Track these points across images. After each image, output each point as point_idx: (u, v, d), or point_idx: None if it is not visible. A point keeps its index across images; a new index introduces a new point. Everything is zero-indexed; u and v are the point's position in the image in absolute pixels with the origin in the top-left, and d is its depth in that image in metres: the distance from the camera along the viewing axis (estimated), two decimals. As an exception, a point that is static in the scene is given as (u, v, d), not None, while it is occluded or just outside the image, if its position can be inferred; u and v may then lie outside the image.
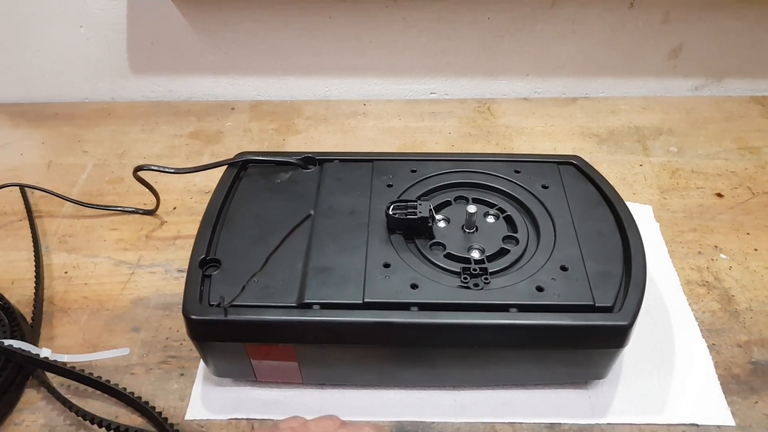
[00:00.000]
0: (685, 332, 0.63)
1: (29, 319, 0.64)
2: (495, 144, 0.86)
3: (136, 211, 0.77)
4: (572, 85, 0.95)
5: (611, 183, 0.63)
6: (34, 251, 0.71)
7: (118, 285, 0.69)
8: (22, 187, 0.79)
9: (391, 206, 0.58)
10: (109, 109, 0.95)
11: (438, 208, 0.60)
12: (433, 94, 0.97)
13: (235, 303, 0.52)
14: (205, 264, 0.56)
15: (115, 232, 0.75)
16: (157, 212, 0.77)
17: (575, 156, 0.67)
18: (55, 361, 0.58)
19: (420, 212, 0.57)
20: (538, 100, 0.95)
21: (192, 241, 0.57)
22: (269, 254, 0.56)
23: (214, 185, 0.72)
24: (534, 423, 0.56)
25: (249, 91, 0.97)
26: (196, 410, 0.58)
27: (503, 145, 0.86)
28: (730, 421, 0.56)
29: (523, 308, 0.52)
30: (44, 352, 0.59)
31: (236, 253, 0.57)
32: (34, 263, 0.70)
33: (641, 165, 0.83)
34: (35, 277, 0.68)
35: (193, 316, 0.52)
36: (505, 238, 0.58)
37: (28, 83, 0.95)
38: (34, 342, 0.62)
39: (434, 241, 0.58)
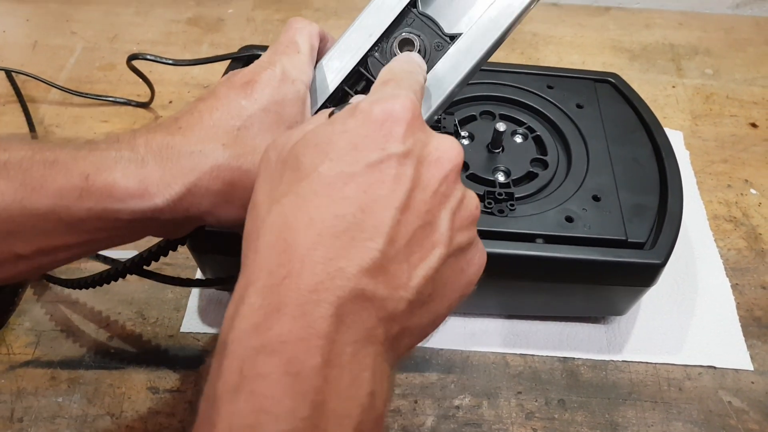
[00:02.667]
0: (709, 270, 0.60)
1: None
2: (520, 53, 0.80)
3: (128, 103, 0.71)
4: (606, -8, 0.88)
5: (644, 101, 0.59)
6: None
7: (110, 182, 0.64)
8: (9, 72, 0.73)
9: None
10: (100, -14, 0.87)
11: (462, 123, 0.55)
12: (453, -7, 0.89)
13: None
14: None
15: (106, 124, 0.69)
16: (152, 105, 0.71)
17: (613, 74, 0.61)
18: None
19: (444, 127, 0.52)
20: (568, 7, 0.88)
21: (192, 143, 0.52)
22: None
23: (213, 79, 0.66)
24: (546, 356, 0.54)
25: (253, -25, 0.89)
26: (191, 323, 0.55)
27: (528, 54, 0.80)
28: (748, 365, 0.54)
29: (551, 239, 0.48)
30: None
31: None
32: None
33: (674, 87, 0.77)
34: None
35: (193, 226, 0.48)
36: (533, 161, 0.54)
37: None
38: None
39: (457, 159, 0.53)
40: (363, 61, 0.43)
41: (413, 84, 0.36)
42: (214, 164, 0.37)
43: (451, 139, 0.33)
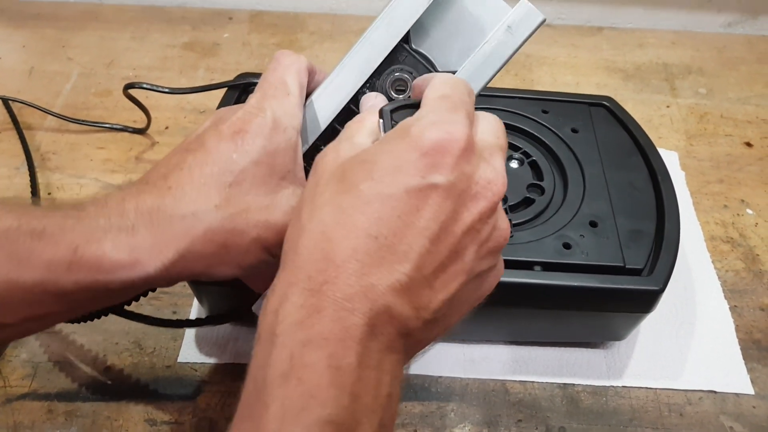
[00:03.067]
0: (707, 292, 0.60)
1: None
2: (514, 74, 0.80)
3: (125, 129, 0.71)
4: (599, 12, 0.88)
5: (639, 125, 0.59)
6: (29, 169, 0.66)
7: (106, 210, 0.64)
8: (6, 100, 0.72)
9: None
10: (97, 11, 0.87)
11: (458, 149, 0.55)
12: (447, 14, 0.89)
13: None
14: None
15: (103, 150, 0.69)
16: (148, 131, 0.71)
17: (607, 97, 0.61)
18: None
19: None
20: (561, 27, 0.89)
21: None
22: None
23: (209, 104, 0.66)
24: (546, 382, 0.53)
25: (249, -2, 0.89)
26: (189, 352, 0.55)
27: (522, 76, 0.80)
28: (749, 389, 0.54)
29: (549, 267, 0.48)
30: None
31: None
32: (29, 182, 0.65)
33: (668, 106, 0.78)
34: (32, 197, 0.63)
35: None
36: (530, 186, 0.54)
37: (5, -23, 0.87)
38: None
39: (453, 186, 0.53)
40: (354, 99, 0.42)
41: (469, 110, 0.35)
42: (207, 228, 0.36)
43: (498, 169, 0.33)
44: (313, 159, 0.39)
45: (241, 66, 0.80)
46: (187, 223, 0.36)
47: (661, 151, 0.57)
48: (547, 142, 0.57)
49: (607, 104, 0.61)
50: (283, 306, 0.30)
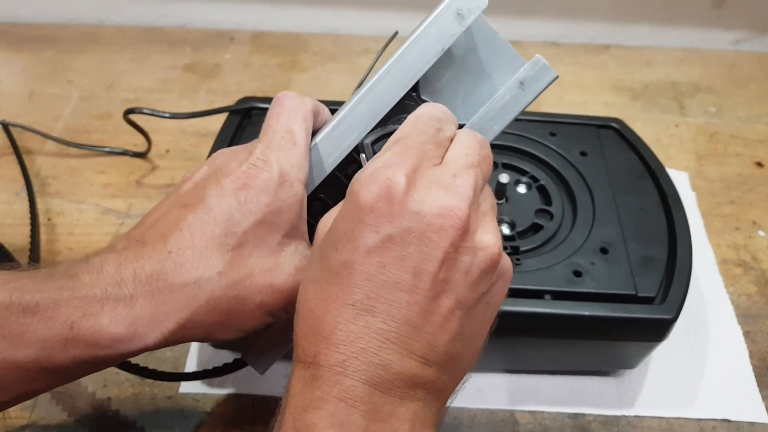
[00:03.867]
0: (720, 317, 0.59)
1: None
2: (519, 94, 0.80)
3: (125, 153, 0.70)
4: (605, 30, 0.87)
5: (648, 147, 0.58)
6: (28, 194, 0.65)
7: (106, 236, 0.63)
8: (6, 125, 0.72)
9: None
10: (97, 34, 0.86)
11: (464, 173, 0.54)
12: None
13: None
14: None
15: (103, 175, 0.69)
16: (149, 155, 0.70)
17: (616, 119, 0.60)
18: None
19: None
20: (567, 46, 0.88)
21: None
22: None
23: (211, 127, 0.65)
24: (556, 412, 0.52)
25: (250, 19, 0.89)
26: (191, 383, 0.53)
27: (528, 95, 0.79)
28: (764, 417, 0.53)
29: (559, 296, 0.47)
30: None
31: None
32: (28, 207, 0.64)
33: (677, 126, 0.76)
34: (31, 223, 0.62)
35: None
36: (538, 212, 0.53)
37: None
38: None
39: (460, 211, 0.52)
40: (356, 148, 0.40)
41: (418, 149, 0.33)
42: (210, 297, 0.34)
43: (455, 191, 0.31)
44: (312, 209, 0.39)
45: (242, 87, 0.79)
46: (189, 292, 0.34)
47: (672, 172, 0.56)
48: (555, 165, 0.56)
49: (616, 126, 0.60)
50: (289, 382, 0.31)
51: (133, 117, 0.64)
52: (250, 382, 0.53)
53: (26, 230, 0.61)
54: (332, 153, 0.40)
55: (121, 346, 0.33)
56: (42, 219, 0.64)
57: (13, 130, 0.71)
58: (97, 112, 0.76)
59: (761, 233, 0.65)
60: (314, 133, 0.41)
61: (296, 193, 0.37)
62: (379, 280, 0.30)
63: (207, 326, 0.35)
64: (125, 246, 0.35)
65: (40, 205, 0.65)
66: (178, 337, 0.35)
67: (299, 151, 0.38)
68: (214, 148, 0.56)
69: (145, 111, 0.60)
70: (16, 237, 0.61)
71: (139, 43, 0.85)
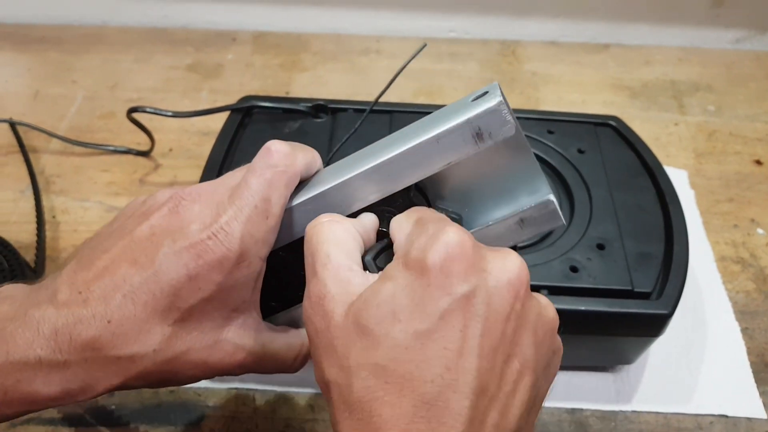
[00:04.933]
0: (718, 314, 0.59)
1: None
2: (519, 93, 0.80)
3: (129, 152, 0.71)
4: (604, 29, 0.88)
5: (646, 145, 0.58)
6: (34, 192, 0.66)
7: (110, 234, 0.63)
8: (13, 124, 0.73)
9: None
10: (100, 35, 0.87)
11: (462, 171, 0.55)
12: (452, 33, 0.89)
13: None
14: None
15: (107, 173, 0.69)
16: (152, 153, 0.71)
17: (614, 117, 0.61)
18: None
19: (444, 176, 0.52)
20: (566, 45, 0.88)
21: (190, 189, 0.52)
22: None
23: (213, 126, 0.66)
24: (554, 407, 0.52)
25: (252, 19, 0.89)
26: (193, 378, 0.54)
27: (528, 94, 0.80)
28: (761, 413, 0.53)
29: (556, 291, 0.48)
30: None
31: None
32: (34, 205, 0.65)
33: (676, 124, 0.77)
34: (36, 220, 0.63)
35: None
36: (536, 209, 0.53)
37: (12, 0, 0.87)
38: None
39: (457, 208, 0.52)
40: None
41: (445, 217, 0.34)
42: (143, 370, 0.34)
43: (510, 254, 0.31)
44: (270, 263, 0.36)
45: (244, 87, 0.80)
46: (122, 364, 0.34)
47: (671, 170, 0.57)
48: (553, 163, 0.56)
49: (614, 124, 0.60)
50: None
51: (136, 116, 0.64)
52: (252, 376, 0.54)
53: (31, 228, 0.62)
54: (304, 222, 0.35)
55: (55, 403, 0.34)
56: (47, 217, 0.65)
57: (20, 129, 0.72)
58: (101, 111, 0.76)
59: (760, 231, 0.66)
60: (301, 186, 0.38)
61: (253, 272, 0.35)
62: (457, 346, 0.28)
63: (137, 387, 0.36)
64: (66, 300, 0.34)
65: (45, 203, 0.66)
66: (111, 392, 0.35)
67: (270, 224, 0.35)
68: (216, 146, 0.57)
69: (148, 110, 0.61)
70: (22, 234, 0.62)
71: (142, 43, 0.86)
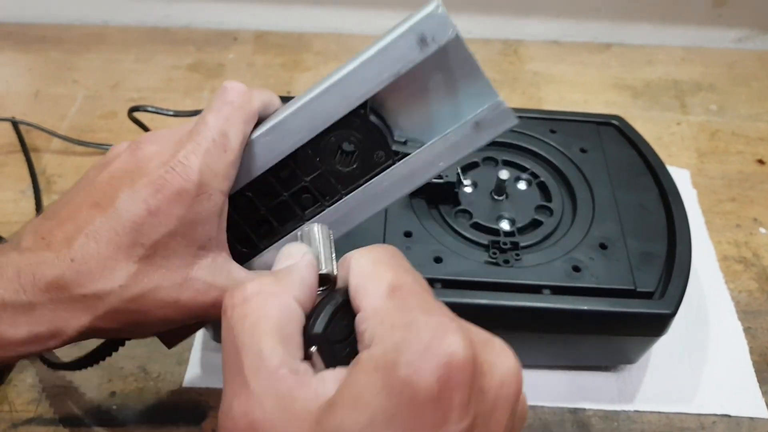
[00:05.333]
0: (720, 313, 0.59)
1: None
2: (521, 92, 0.80)
3: (130, 151, 0.70)
4: (606, 29, 0.88)
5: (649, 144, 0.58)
6: (34, 192, 0.66)
7: (111, 233, 0.63)
8: (16, 123, 0.73)
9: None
10: (101, 34, 0.87)
11: (464, 170, 0.55)
12: (454, 33, 0.89)
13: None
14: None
15: (108, 173, 0.69)
16: (154, 153, 0.71)
17: (616, 116, 0.61)
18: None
19: (446, 176, 0.52)
20: (568, 45, 0.88)
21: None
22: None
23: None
24: (556, 407, 0.52)
25: (253, 19, 0.89)
26: (194, 377, 0.54)
27: (530, 94, 0.80)
28: (764, 412, 0.53)
29: (558, 290, 0.47)
30: None
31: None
32: (35, 205, 0.65)
33: (678, 124, 0.77)
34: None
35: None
36: (538, 208, 0.53)
37: (13, 0, 0.87)
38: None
39: (460, 208, 0.52)
40: (294, 155, 0.38)
41: (429, 296, 0.28)
42: (110, 308, 0.33)
43: (508, 356, 0.26)
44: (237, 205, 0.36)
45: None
46: (89, 302, 0.33)
47: (673, 169, 0.57)
48: (555, 162, 0.56)
49: (616, 123, 0.60)
50: None
51: (137, 115, 0.64)
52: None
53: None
54: (266, 155, 0.37)
55: (23, 348, 0.33)
56: (48, 216, 0.65)
57: (22, 128, 0.72)
58: (102, 111, 0.76)
59: (762, 230, 0.65)
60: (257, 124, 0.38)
61: (214, 205, 0.34)
62: None
63: (110, 331, 0.35)
64: (29, 246, 0.34)
65: (45, 203, 0.66)
66: (82, 338, 0.34)
67: (229, 158, 0.34)
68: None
69: (149, 109, 0.61)
70: (22, 234, 0.62)
71: (144, 43, 0.86)
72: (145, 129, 0.67)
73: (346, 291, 0.29)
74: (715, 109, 0.79)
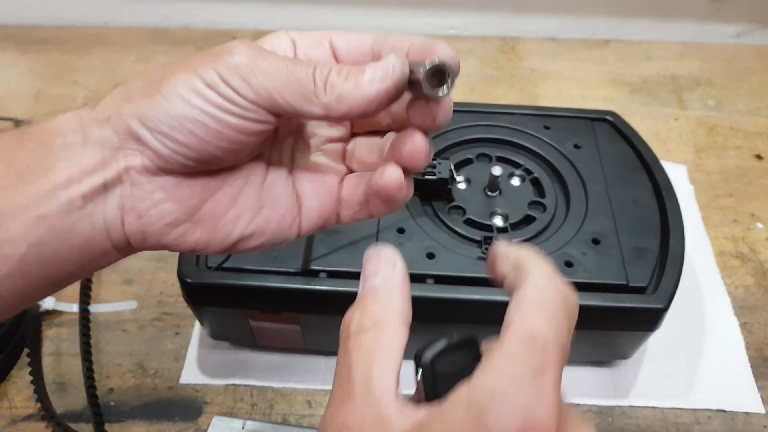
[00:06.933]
0: (716, 308, 0.59)
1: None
2: (519, 89, 0.80)
3: (129, 151, 0.71)
4: (604, 25, 0.88)
5: (645, 139, 0.58)
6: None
7: (110, 232, 0.64)
8: (18, 123, 0.73)
9: (408, 165, 0.52)
10: (102, 35, 0.88)
11: (458, 166, 0.55)
12: (452, 30, 0.89)
13: (235, 267, 0.48)
14: (201, 222, 0.51)
15: (107, 173, 0.70)
16: (153, 153, 0.71)
17: (611, 112, 0.61)
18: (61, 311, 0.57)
19: (439, 173, 0.52)
20: (566, 41, 0.88)
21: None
22: (272, 214, 0.51)
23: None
24: (551, 402, 0.52)
25: (251, 19, 0.90)
26: (191, 373, 0.54)
27: (527, 90, 0.80)
28: (759, 407, 0.53)
29: (550, 286, 0.47)
30: (47, 303, 0.57)
31: (236, 210, 0.52)
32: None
33: (676, 119, 0.77)
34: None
35: (189, 280, 0.48)
36: (531, 204, 0.53)
37: (14, 2, 0.88)
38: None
39: (453, 204, 0.53)
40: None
41: (557, 363, 0.26)
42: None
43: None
44: None
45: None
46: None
47: (670, 165, 0.57)
48: (549, 158, 0.56)
49: (611, 119, 0.60)
50: None
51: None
52: (248, 372, 0.54)
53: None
54: None
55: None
56: (47, 216, 0.65)
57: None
58: (102, 111, 0.77)
59: (759, 225, 0.65)
60: None
61: None
62: None
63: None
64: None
65: (45, 202, 0.66)
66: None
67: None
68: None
69: (147, 109, 0.61)
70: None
71: (144, 43, 0.87)
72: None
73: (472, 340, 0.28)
74: (714, 104, 0.79)
